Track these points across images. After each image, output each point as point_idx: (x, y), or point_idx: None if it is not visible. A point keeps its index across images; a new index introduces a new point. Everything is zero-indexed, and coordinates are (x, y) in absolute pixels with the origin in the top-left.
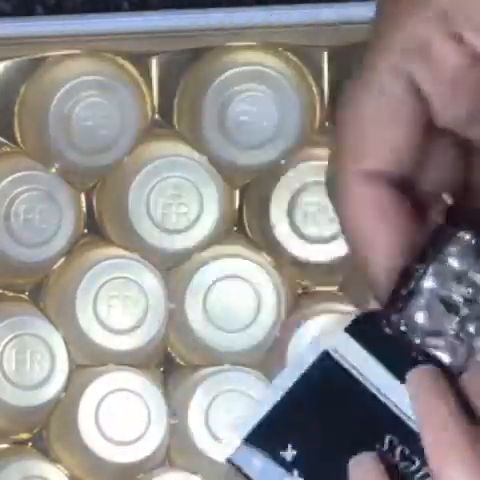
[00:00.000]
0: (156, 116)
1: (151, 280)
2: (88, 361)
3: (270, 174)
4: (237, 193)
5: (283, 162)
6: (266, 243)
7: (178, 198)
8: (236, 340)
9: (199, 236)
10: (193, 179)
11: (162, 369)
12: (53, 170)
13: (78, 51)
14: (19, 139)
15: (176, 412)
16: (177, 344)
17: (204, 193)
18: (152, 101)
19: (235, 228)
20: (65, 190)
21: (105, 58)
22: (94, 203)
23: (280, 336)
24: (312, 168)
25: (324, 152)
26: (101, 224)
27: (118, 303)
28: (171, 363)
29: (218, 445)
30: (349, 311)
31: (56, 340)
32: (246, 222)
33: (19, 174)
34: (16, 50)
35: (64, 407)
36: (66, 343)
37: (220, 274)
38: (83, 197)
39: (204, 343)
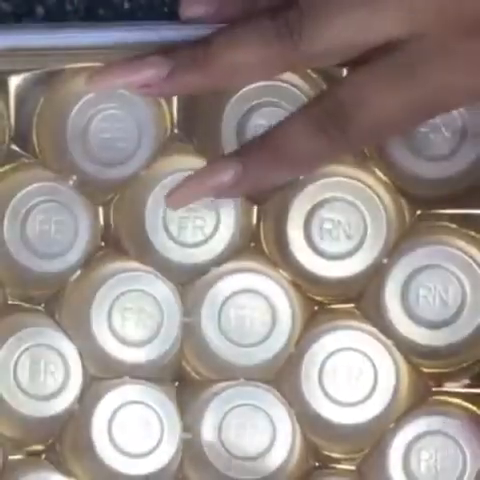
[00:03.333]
0: (175, 130)
1: (166, 294)
2: (102, 373)
3: (288, 190)
4: (255, 208)
5: (301, 177)
6: (282, 259)
7: (194, 212)
8: (251, 355)
9: (215, 250)
10: None
11: (176, 383)
12: (70, 182)
13: (97, 64)
14: (37, 150)
15: (190, 426)
16: (192, 358)
17: (221, 208)
18: (172, 115)
19: (252, 244)
20: (82, 202)
21: None
22: (111, 216)
23: (295, 351)
24: (330, 184)
25: (342, 169)
26: (118, 237)
27: (133, 316)
28: (185, 377)
29: (231, 459)
30: (365, 328)
31: (70, 352)
32: (263, 238)
33: (36, 185)
34: (35, 62)
35: (78, 419)
36: (81, 355)
37: (236, 289)
38: (100, 210)
39: (219, 357)
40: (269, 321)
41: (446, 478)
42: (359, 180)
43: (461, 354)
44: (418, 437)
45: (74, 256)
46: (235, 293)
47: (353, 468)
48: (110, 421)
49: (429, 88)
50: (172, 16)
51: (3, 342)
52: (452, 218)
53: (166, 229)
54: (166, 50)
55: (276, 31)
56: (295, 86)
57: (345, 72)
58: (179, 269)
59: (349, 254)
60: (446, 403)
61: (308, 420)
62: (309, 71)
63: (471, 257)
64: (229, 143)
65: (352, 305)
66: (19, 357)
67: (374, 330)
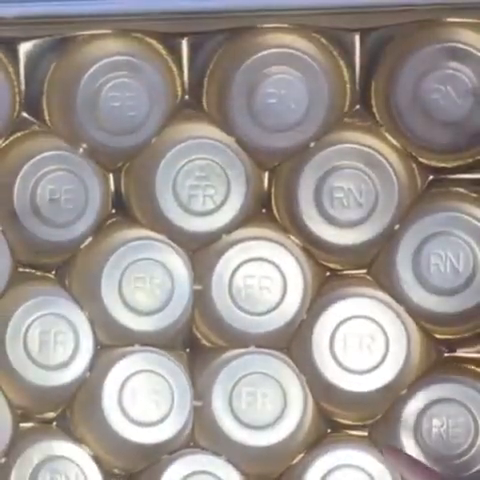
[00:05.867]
0: (186, 97)
1: (177, 262)
2: (113, 342)
3: (299, 157)
4: (266, 175)
5: (312, 145)
6: (294, 226)
7: (205, 180)
8: (262, 322)
9: (226, 218)
10: (220, 161)
11: (187, 350)
12: (80, 150)
13: (108, 31)
14: (47, 118)
15: (201, 394)
16: (202, 325)
17: (231, 175)
18: (182, 82)
19: (264, 210)
20: (92, 170)
21: (135, 38)
22: (122, 183)
23: (306, 319)
24: (340, 151)
25: (353, 136)
26: (129, 204)
27: (144, 284)
28: (196, 344)
29: (242, 427)
30: (376, 296)
31: (81, 320)
32: (274, 204)
33: (47, 154)
34: (46, 29)
35: (88, 387)
36: (91, 323)
37: (246, 256)
38: (111, 177)
39: (230, 325)
40: (280, 289)
41: (457, 446)
42: (369, 147)
43: (474, 320)
44: (430, 404)
45: (86, 223)
46: (246, 261)
47: (365, 434)
48: (121, 389)
49: None
50: None
51: (13, 312)
52: (464, 183)
53: (176, 197)
54: None
55: None
56: (305, 53)
57: (357, 38)
58: (190, 237)
59: (360, 222)
60: (459, 369)
61: (319, 387)
62: (319, 37)
63: None
64: (239, 110)
65: (364, 271)
66: (29, 327)
67: (385, 298)
